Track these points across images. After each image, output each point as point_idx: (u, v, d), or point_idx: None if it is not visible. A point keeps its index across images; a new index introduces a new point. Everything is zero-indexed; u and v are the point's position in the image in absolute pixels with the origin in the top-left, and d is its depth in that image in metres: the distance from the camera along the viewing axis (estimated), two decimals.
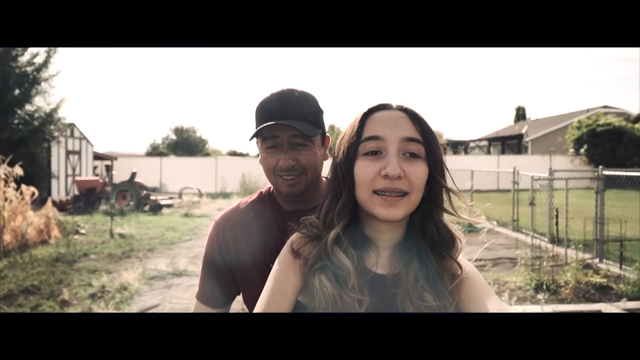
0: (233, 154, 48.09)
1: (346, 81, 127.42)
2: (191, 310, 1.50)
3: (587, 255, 7.64)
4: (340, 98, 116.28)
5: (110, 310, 5.09)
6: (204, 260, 1.49)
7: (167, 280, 6.69)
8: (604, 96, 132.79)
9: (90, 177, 19.51)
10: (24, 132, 17.81)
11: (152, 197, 16.77)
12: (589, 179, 10.33)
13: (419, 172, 0.96)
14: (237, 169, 23.02)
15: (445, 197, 1.02)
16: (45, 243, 9.14)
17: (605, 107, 34.83)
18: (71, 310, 5.29)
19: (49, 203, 9.75)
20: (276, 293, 1.00)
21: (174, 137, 60.95)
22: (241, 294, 1.49)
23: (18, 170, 8.86)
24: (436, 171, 0.99)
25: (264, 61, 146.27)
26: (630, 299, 5.57)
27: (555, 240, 8.70)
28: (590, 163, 26.22)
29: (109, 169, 13.61)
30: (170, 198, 18.77)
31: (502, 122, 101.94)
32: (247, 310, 1.46)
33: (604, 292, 5.96)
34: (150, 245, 9.37)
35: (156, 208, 16.03)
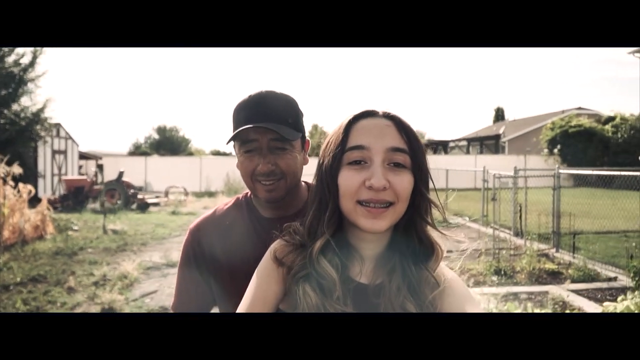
0: (217, 153, 48.34)
1: (326, 81, 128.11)
2: None
3: (544, 246, 8.43)
4: (321, 98, 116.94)
5: (115, 295, 5.68)
6: (179, 270, 1.45)
7: (162, 270, 7.29)
8: (582, 97, 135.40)
9: (78, 177, 19.88)
10: (11, 131, 18.17)
11: (140, 196, 17.28)
12: (551, 176, 11.10)
13: (404, 182, 0.94)
14: (222, 169, 23.50)
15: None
16: (41, 239, 9.65)
17: (580, 108, 35.77)
18: (78, 295, 5.88)
19: (44, 201, 10.25)
20: (257, 301, 0.98)
21: (156, 136, 60.95)
22: (218, 305, 1.46)
23: (15, 170, 9.38)
24: (421, 182, 0.98)
25: (248, 60, 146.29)
26: (573, 281, 6.35)
27: (519, 233, 9.50)
28: (563, 162, 27.22)
29: (101, 168, 14.10)
30: (157, 197, 19.25)
31: (482, 123, 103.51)
32: None
33: (554, 277, 6.71)
34: (142, 240, 9.95)
35: (143, 206, 16.54)
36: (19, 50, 19.36)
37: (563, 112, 35.02)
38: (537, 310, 4.85)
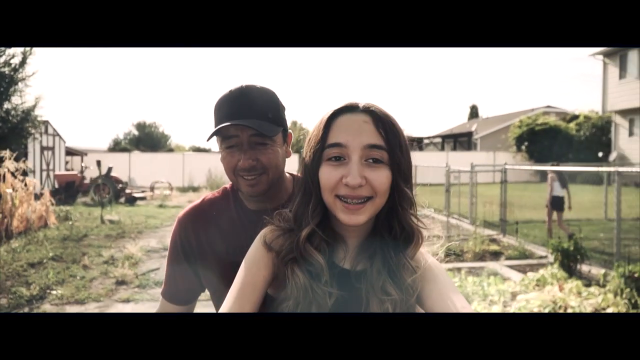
0: (197, 149, 48.79)
1: (304, 79, 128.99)
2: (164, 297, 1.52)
3: (493, 232, 9.75)
4: (299, 94, 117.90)
5: (126, 269, 6.77)
6: (168, 258, 1.48)
7: (160, 253, 8.39)
8: (560, 94, 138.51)
9: (70, 172, 20.72)
10: (3, 129, 18.91)
11: (127, 190, 18.25)
12: (502, 172, 12.42)
13: (382, 178, 0.97)
14: (204, 164, 24.33)
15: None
16: (45, 227, 10.63)
17: (548, 107, 36.75)
18: (93, 272, 6.95)
19: (47, 194, 11.22)
20: (247, 285, 1.01)
21: (136, 132, 61.13)
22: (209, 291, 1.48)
23: (23, 165, 10.35)
24: (399, 176, 1.00)
25: (227, 56, 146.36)
26: (509, 258, 7.65)
27: (474, 221, 10.80)
28: (531, 159, 28.71)
29: (99, 164, 15.07)
30: (143, 191, 20.19)
31: (457, 120, 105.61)
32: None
33: (495, 256, 7.99)
34: (137, 228, 11.03)
35: (131, 200, 17.52)
36: (10, 50, 20.09)
37: (532, 110, 36.06)
38: (471, 278, 6.07)
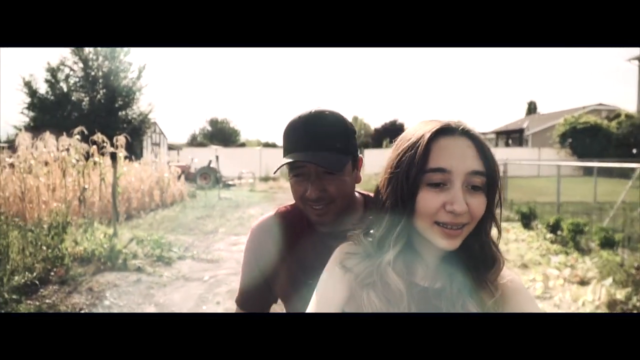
0: (265, 144, 53.00)
1: (366, 78, 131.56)
2: None
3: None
4: (366, 96, 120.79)
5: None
6: (242, 266, 1.51)
7: None
8: (613, 92, 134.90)
9: (180, 164, 25.84)
10: (127, 129, 24.27)
11: (223, 179, 23.02)
12: (504, 164, 15.99)
13: (481, 205, 0.96)
14: (277, 158, 28.15)
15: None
16: (182, 200, 15.37)
17: (600, 104, 38.46)
18: (234, 222, 11.39)
19: (182, 178, 15.97)
20: (324, 303, 1.02)
21: (209, 128, 66.04)
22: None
23: (167, 156, 15.12)
24: (492, 202, 0.99)
25: (294, 56, 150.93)
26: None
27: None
28: (574, 155, 31.18)
29: (217, 158, 19.84)
30: (232, 180, 24.95)
31: (514, 116, 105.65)
32: None
33: None
34: (245, 203, 15.61)
35: (226, 186, 22.22)
36: (129, 66, 25.48)
37: (584, 107, 37.69)
38: None
